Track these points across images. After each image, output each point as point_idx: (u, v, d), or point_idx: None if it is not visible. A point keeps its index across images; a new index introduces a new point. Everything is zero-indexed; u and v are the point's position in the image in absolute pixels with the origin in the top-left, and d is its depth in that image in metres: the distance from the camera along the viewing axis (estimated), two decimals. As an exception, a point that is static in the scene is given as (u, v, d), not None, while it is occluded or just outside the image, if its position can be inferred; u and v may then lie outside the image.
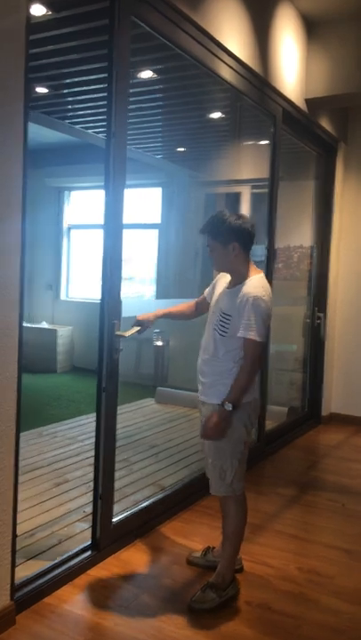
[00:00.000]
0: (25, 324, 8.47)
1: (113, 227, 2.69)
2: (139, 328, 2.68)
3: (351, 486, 3.97)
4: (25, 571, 2.55)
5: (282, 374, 5.72)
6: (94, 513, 2.78)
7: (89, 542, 2.78)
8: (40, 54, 3.84)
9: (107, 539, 2.80)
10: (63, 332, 7.98)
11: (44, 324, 8.15)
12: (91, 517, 2.88)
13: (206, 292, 2.73)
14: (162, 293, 7.39)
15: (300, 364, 5.84)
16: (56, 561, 2.60)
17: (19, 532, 2.90)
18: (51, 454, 4.29)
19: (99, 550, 2.75)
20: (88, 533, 2.96)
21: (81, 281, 8.42)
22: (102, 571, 2.68)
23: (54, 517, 3.19)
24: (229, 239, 2.41)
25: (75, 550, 2.71)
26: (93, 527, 2.79)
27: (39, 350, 7.85)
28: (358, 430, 5.41)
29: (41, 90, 4.61)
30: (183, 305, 2.83)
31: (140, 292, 8.08)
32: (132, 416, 5.59)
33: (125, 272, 8.20)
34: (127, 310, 2.97)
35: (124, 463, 4.08)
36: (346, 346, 5.76)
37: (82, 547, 2.75)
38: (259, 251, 5.97)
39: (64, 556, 2.65)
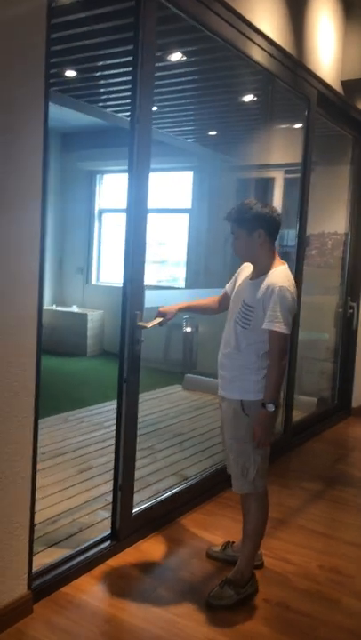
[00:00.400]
0: (55, 308, 8.54)
1: (136, 214, 2.64)
2: (161, 320, 2.63)
3: (379, 482, 3.89)
4: (45, 558, 2.57)
5: (312, 363, 5.61)
6: (114, 503, 2.78)
7: (108, 532, 2.78)
8: (68, 37, 3.78)
9: (126, 529, 2.79)
10: (93, 316, 8.01)
11: (75, 308, 8.20)
12: (111, 509, 2.87)
13: (228, 287, 2.66)
14: (191, 280, 7.34)
15: (331, 353, 5.72)
16: (75, 550, 2.61)
17: (41, 518, 2.95)
18: (76, 440, 4.31)
19: (118, 540, 2.75)
20: (109, 522, 2.95)
21: (112, 265, 8.42)
22: (121, 561, 2.67)
23: (76, 505, 3.20)
24: (255, 226, 2.34)
25: (94, 540, 2.71)
26: (113, 517, 2.79)
27: (69, 334, 7.92)
28: (389, 423, 5.29)
29: (70, 73, 4.55)
30: (207, 299, 2.78)
31: (174, 275, 8.04)
32: (159, 403, 5.57)
33: (158, 255, 8.19)
34: (152, 301, 2.93)
35: (148, 451, 4.07)
36: (379, 336, 5.60)
37: (101, 536, 2.75)
38: (291, 235, 5.86)
39: (83, 546, 2.65)
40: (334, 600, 2.48)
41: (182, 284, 7.82)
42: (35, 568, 2.35)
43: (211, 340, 7.10)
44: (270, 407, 2.31)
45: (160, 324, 2.65)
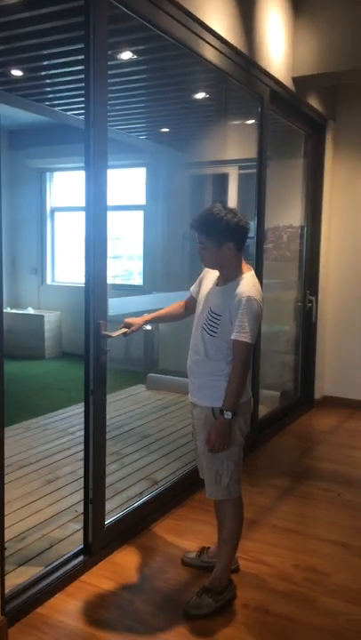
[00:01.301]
0: (10, 311, 8.31)
1: (95, 224, 2.56)
2: (126, 330, 2.58)
3: (346, 474, 3.94)
4: (17, 578, 2.49)
5: (274, 356, 5.66)
6: (85, 517, 2.72)
7: (81, 546, 2.72)
8: (14, 36, 3.66)
9: (99, 542, 2.74)
10: (50, 318, 7.87)
11: (30, 310, 8.03)
12: (82, 520, 2.81)
13: (193, 290, 2.61)
14: (149, 278, 7.27)
15: (293, 346, 5.78)
16: (47, 568, 2.54)
17: (9, 535, 2.86)
18: (40, 449, 4.21)
19: (91, 555, 2.69)
20: (80, 535, 2.90)
21: (67, 264, 8.28)
22: (95, 577, 2.62)
23: (46, 518, 3.12)
24: (225, 239, 2.29)
25: (66, 556, 2.65)
26: (85, 531, 2.72)
27: (26, 337, 7.75)
28: (352, 413, 5.38)
29: (16, 72, 4.41)
30: (172, 306, 2.72)
31: (128, 268, 7.96)
32: (123, 404, 5.52)
33: (112, 250, 8.09)
34: (116, 308, 2.87)
35: (115, 457, 4.01)
36: (338, 328, 5.70)
37: (74, 552, 2.69)
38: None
39: (56, 563, 2.59)
40: (311, 600, 2.50)
41: (137, 278, 7.75)
42: (6, 589, 2.28)
43: (172, 337, 7.07)
44: (228, 415, 2.30)
45: (125, 334, 2.59)
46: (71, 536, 2.93)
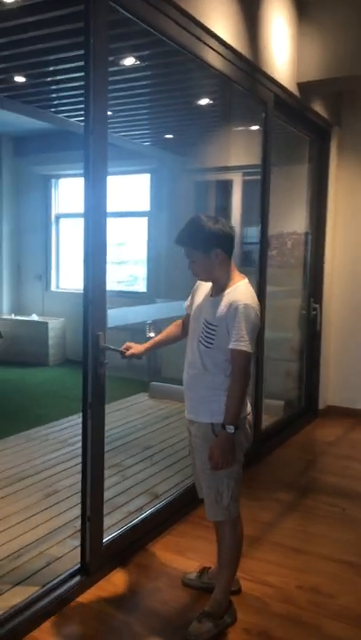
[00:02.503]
0: (14, 317, 8.25)
1: (94, 232, 2.51)
2: (125, 352, 2.52)
3: (351, 488, 3.85)
4: (11, 599, 2.42)
5: (277, 365, 5.58)
6: (82, 535, 2.65)
7: (78, 566, 2.65)
8: (16, 42, 3.62)
9: (96, 562, 2.66)
10: (54, 324, 7.82)
11: (34, 317, 7.98)
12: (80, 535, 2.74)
13: (186, 306, 2.55)
14: (152, 287, 7.20)
15: (297, 354, 5.70)
16: (43, 589, 2.47)
17: (5, 552, 2.81)
18: (40, 460, 4.15)
19: (88, 575, 2.61)
20: (79, 552, 2.83)
21: (72, 271, 8.22)
22: (92, 597, 2.54)
23: (43, 535, 3.05)
24: (211, 246, 2.24)
25: (62, 576, 2.58)
26: (82, 550, 2.65)
27: (30, 343, 7.71)
28: (356, 424, 5.29)
29: (20, 79, 4.36)
30: (170, 328, 2.64)
31: (134, 274, 7.89)
32: (125, 414, 5.45)
33: (117, 256, 8.02)
34: (116, 319, 2.82)
35: (116, 469, 3.94)
36: (343, 337, 5.61)
37: (70, 571, 2.61)
38: (252, 233, 5.81)
39: (52, 583, 2.51)
40: (315, 625, 2.41)
41: (142, 283, 7.68)
42: (0, 611, 2.21)
43: (176, 345, 6.97)
44: (230, 429, 2.22)
45: (123, 355, 2.53)
46: (69, 553, 2.85)
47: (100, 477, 2.69)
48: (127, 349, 2.54)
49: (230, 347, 2.21)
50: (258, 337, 4.18)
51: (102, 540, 2.72)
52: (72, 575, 2.59)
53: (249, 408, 2.41)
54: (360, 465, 4.31)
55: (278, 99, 4.13)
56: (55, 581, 2.54)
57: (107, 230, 2.57)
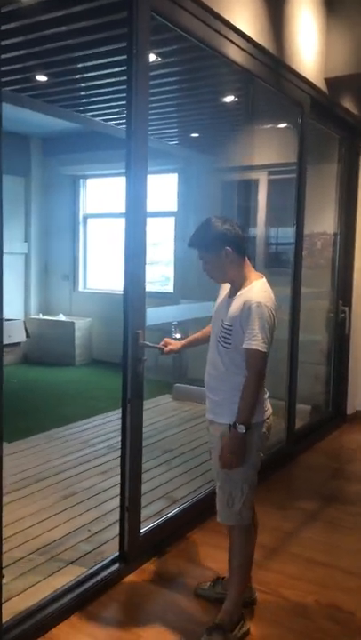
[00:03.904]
0: (41, 317, 8.30)
1: (135, 233, 2.59)
2: (164, 348, 2.59)
3: (377, 498, 3.72)
4: (20, 603, 2.38)
5: (305, 367, 5.43)
6: (121, 525, 2.69)
7: (91, 570, 2.60)
8: (37, 40, 3.60)
9: (134, 552, 2.69)
10: (81, 325, 7.83)
11: (61, 317, 8.01)
12: (95, 539, 2.83)
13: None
14: (179, 287, 7.12)
15: (325, 358, 5.55)
16: (51, 596, 2.42)
17: (16, 555, 2.76)
18: (60, 461, 4.12)
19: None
20: (91, 558, 2.80)
21: (99, 271, 8.23)
22: (101, 608, 2.47)
23: (57, 538, 3.00)
24: (220, 246, 2.24)
25: (75, 581, 2.53)
26: (121, 540, 2.69)
27: (56, 343, 7.74)
28: (385, 430, 5.13)
29: (49, 79, 4.35)
30: (205, 329, 2.62)
31: (165, 274, 7.84)
32: (148, 415, 5.35)
33: (149, 257, 7.96)
34: (153, 319, 2.83)
35: (135, 472, 3.88)
36: (372, 340, 5.44)
37: (85, 575, 2.57)
38: (281, 234, 5.70)
39: (60, 591, 2.46)
40: (333, 643, 2.31)
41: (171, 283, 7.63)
42: (5, 618, 2.17)
43: (202, 347, 6.89)
44: (241, 429, 2.17)
45: (162, 352, 2.60)
46: (81, 558, 2.80)
47: (138, 469, 2.75)
48: (166, 345, 2.60)
49: (243, 346, 2.17)
50: (292, 341, 4.18)
51: (140, 530, 2.79)
52: (84, 580, 2.53)
53: (269, 411, 2.34)
54: (388, 473, 4.16)
55: (314, 100, 4.06)
56: (64, 589, 2.48)
57: (146, 230, 2.66)
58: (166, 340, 2.62)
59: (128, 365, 2.60)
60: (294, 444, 4.40)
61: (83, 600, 2.46)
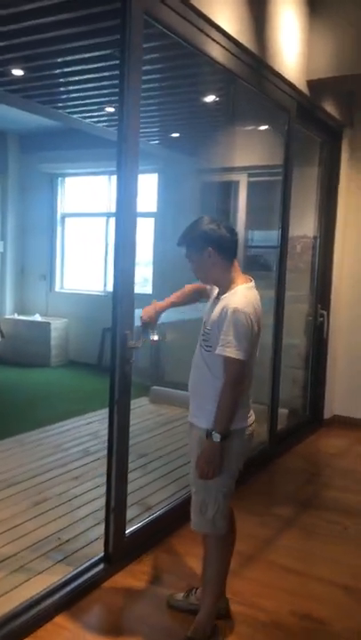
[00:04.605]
0: (17, 317, 8.15)
1: (125, 233, 2.56)
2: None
3: (354, 504, 3.68)
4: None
5: (282, 371, 5.41)
6: (106, 526, 2.73)
7: (60, 581, 2.51)
8: (14, 32, 3.49)
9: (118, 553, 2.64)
10: (57, 325, 7.70)
11: (37, 317, 7.87)
12: (65, 547, 2.76)
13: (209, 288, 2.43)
14: (158, 289, 7.05)
15: (302, 362, 5.52)
16: (18, 609, 2.32)
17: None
18: (32, 466, 4.01)
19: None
20: (60, 567, 2.70)
21: (76, 271, 8.11)
22: (72, 616, 2.40)
23: (25, 547, 2.90)
24: (203, 245, 2.18)
25: (41, 593, 2.43)
26: (106, 541, 2.68)
27: (32, 344, 7.61)
28: (362, 435, 5.11)
29: (17, 72, 4.24)
30: (187, 287, 2.52)
31: (145, 275, 7.76)
32: (124, 419, 5.30)
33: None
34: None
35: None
36: (350, 344, 5.43)
37: (67, 577, 2.52)
38: (257, 236, 5.66)
39: (26, 604, 2.36)
40: (307, 656, 2.25)
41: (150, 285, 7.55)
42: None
43: (180, 348, 6.82)
44: (216, 437, 2.11)
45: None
46: (50, 568, 2.71)
47: (124, 470, 2.77)
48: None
49: (216, 352, 2.11)
50: (275, 344, 4.16)
51: (125, 531, 2.80)
52: (51, 593, 2.45)
53: (251, 419, 2.28)
54: (364, 479, 4.13)
55: (298, 104, 4.05)
56: (30, 601, 2.38)
57: (136, 231, 2.63)
58: (143, 319, 2.44)
59: (116, 366, 2.59)
60: (277, 446, 4.40)
61: (63, 603, 2.42)
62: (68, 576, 2.58)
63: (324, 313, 5.22)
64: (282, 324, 4.32)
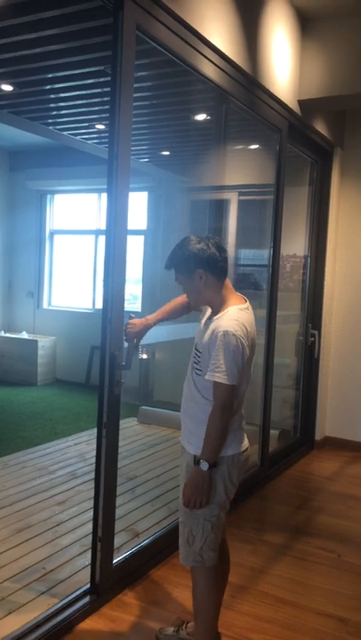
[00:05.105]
0: (3, 334, 8.02)
1: (115, 251, 2.47)
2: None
3: (347, 531, 3.58)
4: None
5: (273, 391, 5.33)
6: (93, 555, 2.39)
7: (44, 614, 2.40)
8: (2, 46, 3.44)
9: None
10: (45, 343, 7.58)
11: (24, 335, 7.75)
12: (49, 577, 2.62)
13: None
14: (147, 307, 6.98)
15: (293, 382, 5.45)
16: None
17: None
18: (15, 490, 3.88)
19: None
20: (44, 600, 2.58)
21: (64, 289, 8.02)
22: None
23: (7, 577, 2.77)
24: (193, 267, 2.08)
25: (23, 628, 2.31)
26: (92, 570, 2.52)
27: (18, 362, 7.49)
28: (354, 457, 5.03)
29: (6, 87, 4.18)
30: (177, 300, 2.40)
31: (133, 292, 7.70)
32: (112, 440, 5.17)
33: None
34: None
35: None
36: (341, 365, 5.38)
37: (33, 622, 2.35)
38: (248, 255, 5.62)
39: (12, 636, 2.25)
40: None
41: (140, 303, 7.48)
42: None
43: (169, 368, 6.76)
44: (203, 466, 2.01)
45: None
46: (32, 601, 2.58)
47: (112, 497, 2.66)
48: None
49: (206, 377, 2.03)
50: (267, 364, 4.09)
51: (113, 560, 2.70)
52: (38, 625, 2.32)
53: (245, 445, 2.19)
54: (358, 504, 4.03)
55: (290, 124, 4.04)
56: (17, 633, 2.26)
57: (127, 249, 2.56)
58: (128, 329, 2.35)
59: (105, 387, 2.50)
60: (268, 469, 4.32)
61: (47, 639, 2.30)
62: (53, 609, 2.47)
63: (316, 333, 5.16)
64: (274, 344, 4.26)
